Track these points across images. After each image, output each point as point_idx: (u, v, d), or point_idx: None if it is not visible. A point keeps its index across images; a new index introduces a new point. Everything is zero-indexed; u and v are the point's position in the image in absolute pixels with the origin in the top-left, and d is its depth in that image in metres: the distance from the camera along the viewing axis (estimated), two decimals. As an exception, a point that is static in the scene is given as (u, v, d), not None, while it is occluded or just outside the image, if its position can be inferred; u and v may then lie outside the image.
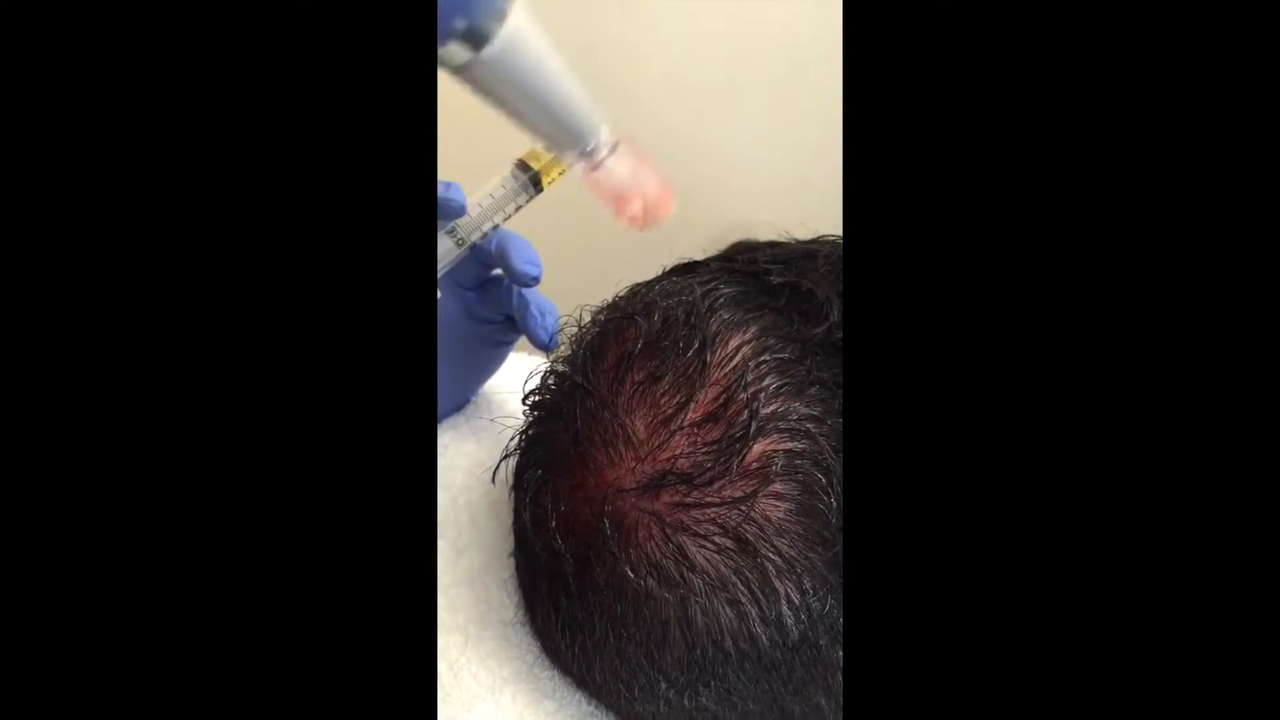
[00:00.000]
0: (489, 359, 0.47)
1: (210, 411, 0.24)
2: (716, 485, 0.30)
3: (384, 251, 0.25)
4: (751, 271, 0.35)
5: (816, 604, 0.30)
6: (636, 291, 0.36)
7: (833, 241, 0.37)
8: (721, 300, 0.33)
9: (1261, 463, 0.23)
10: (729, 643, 0.31)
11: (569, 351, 0.36)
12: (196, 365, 0.24)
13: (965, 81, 0.25)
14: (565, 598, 0.33)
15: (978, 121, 0.24)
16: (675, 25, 0.98)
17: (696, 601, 0.31)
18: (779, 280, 0.34)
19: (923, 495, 0.24)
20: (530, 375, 0.37)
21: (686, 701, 0.33)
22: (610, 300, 0.37)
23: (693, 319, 0.33)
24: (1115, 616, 0.23)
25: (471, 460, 0.44)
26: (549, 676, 0.38)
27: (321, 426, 0.25)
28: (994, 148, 0.24)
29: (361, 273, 0.25)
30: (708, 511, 0.30)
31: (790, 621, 0.30)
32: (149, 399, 0.24)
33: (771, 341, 0.32)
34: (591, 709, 0.37)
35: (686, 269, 0.37)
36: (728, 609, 0.31)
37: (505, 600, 0.40)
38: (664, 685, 0.33)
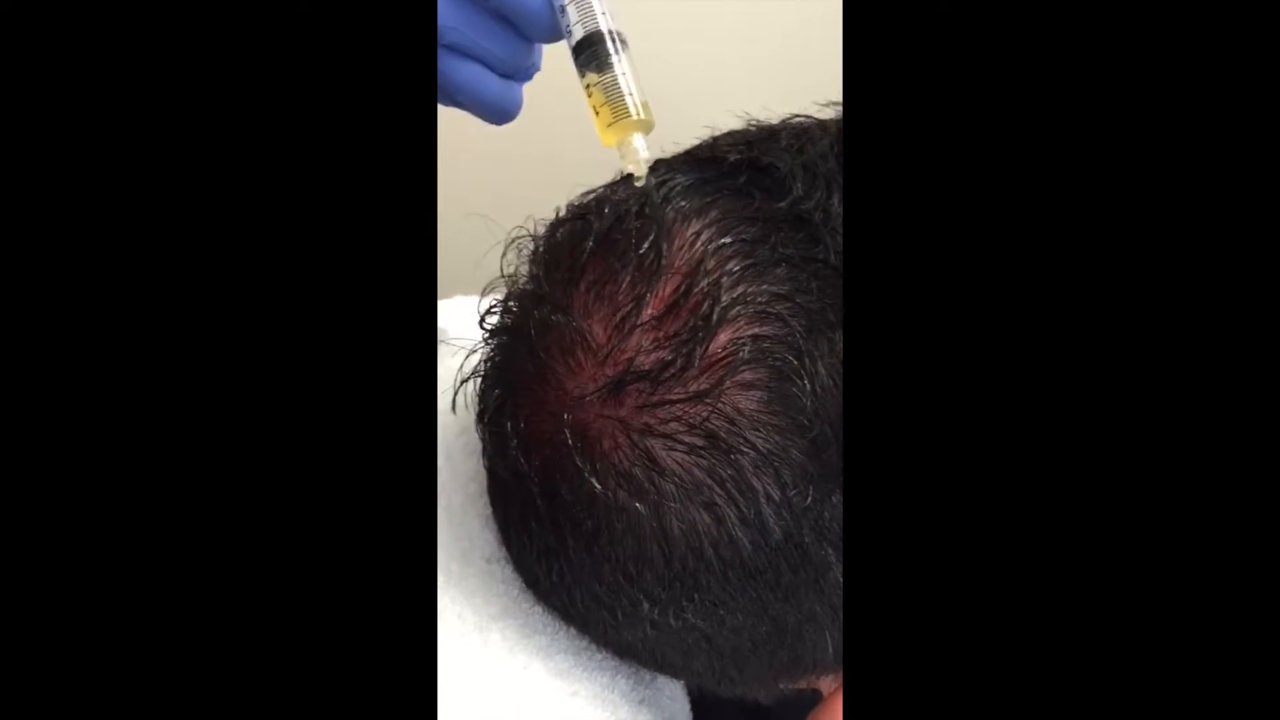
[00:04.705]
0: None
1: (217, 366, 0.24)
2: (681, 380, 0.28)
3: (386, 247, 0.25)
4: (709, 157, 0.32)
5: (798, 498, 0.28)
6: (589, 194, 0.34)
7: (797, 121, 0.34)
8: (677, 188, 0.31)
9: (1261, 462, 0.23)
10: (709, 550, 0.29)
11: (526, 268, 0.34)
12: (204, 347, 0.25)
13: (966, 83, 0.24)
14: (536, 523, 0.32)
15: (979, 123, 0.24)
16: (673, 31, 0.93)
17: (670, 509, 0.29)
18: (736, 158, 0.31)
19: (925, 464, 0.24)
20: (487, 289, 0.35)
21: (673, 621, 0.31)
22: (563, 206, 0.34)
23: (646, 209, 0.30)
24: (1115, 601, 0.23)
25: (442, 399, 0.41)
26: (538, 611, 0.36)
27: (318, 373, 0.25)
28: (995, 148, 0.24)
29: (363, 271, 0.25)
30: (673, 409, 0.28)
31: (772, 520, 0.28)
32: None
33: (732, 223, 0.30)
34: (585, 643, 0.36)
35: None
36: (704, 513, 0.29)
37: (489, 537, 0.38)
38: (646, 605, 0.31)
